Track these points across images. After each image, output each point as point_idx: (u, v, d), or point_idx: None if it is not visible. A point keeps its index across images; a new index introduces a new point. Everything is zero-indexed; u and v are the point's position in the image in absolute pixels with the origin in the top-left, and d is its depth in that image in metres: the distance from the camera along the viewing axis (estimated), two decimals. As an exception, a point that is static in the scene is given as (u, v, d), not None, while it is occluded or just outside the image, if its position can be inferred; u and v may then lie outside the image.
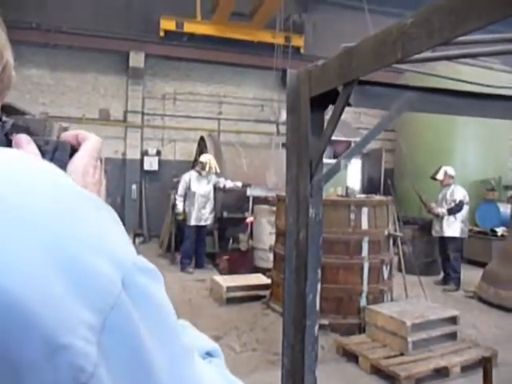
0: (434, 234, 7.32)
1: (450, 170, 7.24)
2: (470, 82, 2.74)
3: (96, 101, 10.72)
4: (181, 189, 7.54)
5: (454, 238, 7.05)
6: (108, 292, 0.35)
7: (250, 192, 8.14)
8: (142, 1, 10.57)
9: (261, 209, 7.43)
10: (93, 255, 0.36)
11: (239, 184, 8.00)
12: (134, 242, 10.35)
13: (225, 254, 8.16)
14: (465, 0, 1.21)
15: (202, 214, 7.52)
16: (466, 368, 4.11)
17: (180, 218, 7.61)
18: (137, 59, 10.50)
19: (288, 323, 2.04)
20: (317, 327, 1.96)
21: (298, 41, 11.05)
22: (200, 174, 7.55)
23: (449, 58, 1.89)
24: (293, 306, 1.99)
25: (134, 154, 10.76)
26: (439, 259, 7.95)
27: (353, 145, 9.72)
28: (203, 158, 7.67)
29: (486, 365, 2.22)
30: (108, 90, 10.77)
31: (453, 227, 7.01)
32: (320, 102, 1.81)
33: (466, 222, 7.19)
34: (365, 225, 4.84)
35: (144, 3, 10.55)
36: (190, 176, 7.59)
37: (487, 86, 2.97)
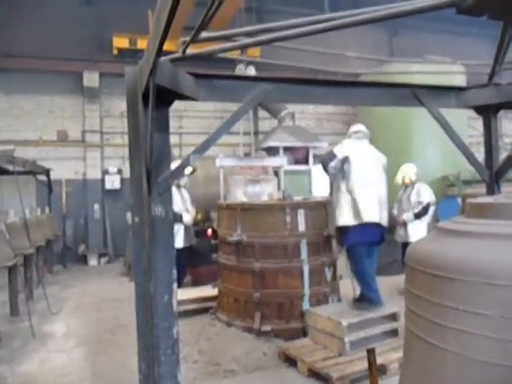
0: (397, 238, 6.77)
1: (409, 169, 6.88)
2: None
3: (53, 122, 10.62)
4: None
5: None
6: None
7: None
8: (94, 20, 10.56)
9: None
10: None
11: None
12: (98, 263, 10.20)
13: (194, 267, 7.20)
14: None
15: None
16: (406, 364, 4.07)
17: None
18: (91, 79, 10.45)
19: (142, 326, 1.97)
20: (175, 329, 1.90)
21: (253, 51, 11.09)
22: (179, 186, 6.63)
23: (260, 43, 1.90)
24: (146, 308, 1.93)
25: (94, 174, 10.64)
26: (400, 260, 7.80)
27: (311, 151, 9.75)
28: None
29: (369, 356, 2.18)
30: (65, 111, 10.68)
31: (419, 232, 6.31)
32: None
33: (431, 224, 6.55)
34: (302, 227, 4.78)
35: (96, 22, 10.54)
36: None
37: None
